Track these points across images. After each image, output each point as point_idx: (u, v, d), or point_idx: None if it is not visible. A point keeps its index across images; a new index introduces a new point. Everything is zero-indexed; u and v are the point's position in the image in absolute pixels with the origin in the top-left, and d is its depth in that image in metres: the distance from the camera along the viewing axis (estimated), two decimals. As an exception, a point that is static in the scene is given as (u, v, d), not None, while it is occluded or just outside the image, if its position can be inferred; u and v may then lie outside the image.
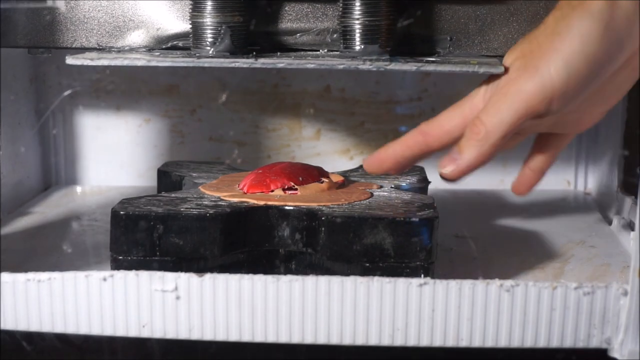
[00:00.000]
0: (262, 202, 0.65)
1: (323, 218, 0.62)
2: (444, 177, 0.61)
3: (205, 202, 0.65)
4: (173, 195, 0.68)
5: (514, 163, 0.85)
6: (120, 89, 0.92)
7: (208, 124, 0.93)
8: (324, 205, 0.65)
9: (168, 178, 0.76)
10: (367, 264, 0.61)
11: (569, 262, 0.70)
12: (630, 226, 0.74)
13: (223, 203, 0.65)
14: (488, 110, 0.59)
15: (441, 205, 0.66)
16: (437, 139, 0.62)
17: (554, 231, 0.78)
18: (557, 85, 0.57)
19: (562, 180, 0.94)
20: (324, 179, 0.69)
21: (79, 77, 0.91)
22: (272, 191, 0.67)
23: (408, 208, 0.64)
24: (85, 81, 0.91)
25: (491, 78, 0.61)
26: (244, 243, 0.64)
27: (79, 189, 0.93)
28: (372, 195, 0.68)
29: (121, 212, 0.62)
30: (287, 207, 0.64)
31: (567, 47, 0.56)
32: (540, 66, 0.57)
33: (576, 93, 0.58)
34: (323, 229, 0.62)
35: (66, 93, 0.91)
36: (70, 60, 0.63)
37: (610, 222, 0.79)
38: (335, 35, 0.68)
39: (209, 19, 0.65)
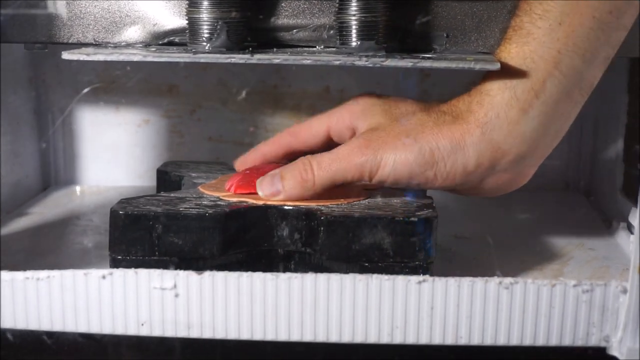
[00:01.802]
0: (261, 202, 0.65)
1: (322, 218, 0.62)
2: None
3: (205, 202, 0.65)
4: (172, 195, 0.68)
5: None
6: (120, 88, 0.92)
7: (207, 124, 0.93)
8: (322, 205, 0.65)
9: (167, 178, 0.76)
10: (366, 264, 0.61)
11: (567, 264, 0.70)
12: (629, 229, 0.74)
13: (222, 203, 0.65)
14: (321, 161, 0.65)
15: (440, 206, 0.66)
16: (303, 140, 0.71)
17: (553, 233, 0.78)
18: (378, 174, 0.64)
19: (561, 182, 0.94)
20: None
21: (81, 76, 0.91)
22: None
23: (407, 208, 0.64)
24: (86, 81, 0.91)
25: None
26: (243, 243, 0.64)
27: (78, 189, 0.93)
28: (370, 195, 0.68)
29: (120, 212, 0.62)
30: (286, 207, 0.64)
31: (402, 154, 0.63)
32: (376, 150, 0.64)
33: (395, 185, 0.65)
34: (322, 228, 0.62)
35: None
36: (66, 55, 0.63)
37: (609, 225, 0.79)
38: (331, 32, 0.68)
39: (205, 15, 0.65)
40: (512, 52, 0.63)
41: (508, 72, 0.62)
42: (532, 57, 0.62)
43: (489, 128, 0.63)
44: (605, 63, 0.63)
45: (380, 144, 0.64)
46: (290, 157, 0.71)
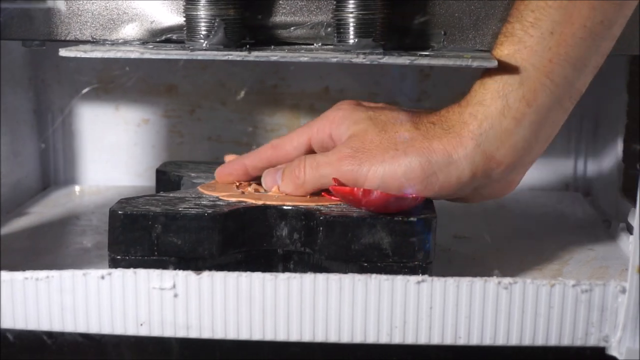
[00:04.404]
0: (260, 202, 0.65)
1: (321, 218, 0.62)
2: None
3: (204, 202, 0.65)
4: (171, 195, 0.68)
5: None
6: (119, 88, 0.92)
7: (207, 124, 0.93)
8: (322, 205, 0.64)
9: (166, 178, 0.76)
10: (365, 264, 0.61)
11: (567, 264, 0.70)
12: (629, 230, 0.74)
13: (221, 203, 0.65)
14: (314, 161, 0.66)
15: (439, 206, 0.66)
16: (284, 154, 0.69)
17: (553, 233, 0.78)
18: (366, 186, 0.63)
19: (561, 182, 0.94)
20: None
21: (80, 76, 0.91)
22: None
23: (406, 208, 0.64)
24: (85, 81, 0.91)
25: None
26: (242, 243, 0.64)
27: (77, 188, 0.93)
28: None
29: (119, 212, 0.62)
30: (285, 207, 0.64)
31: (390, 167, 0.63)
32: (363, 162, 0.64)
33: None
34: (321, 228, 0.62)
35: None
36: (63, 52, 0.63)
37: (609, 226, 0.79)
38: (329, 29, 0.68)
39: (203, 12, 0.65)
40: (504, 59, 0.62)
41: (500, 79, 0.62)
42: (524, 65, 0.61)
43: (483, 139, 0.62)
44: (594, 71, 0.63)
45: (368, 157, 0.64)
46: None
